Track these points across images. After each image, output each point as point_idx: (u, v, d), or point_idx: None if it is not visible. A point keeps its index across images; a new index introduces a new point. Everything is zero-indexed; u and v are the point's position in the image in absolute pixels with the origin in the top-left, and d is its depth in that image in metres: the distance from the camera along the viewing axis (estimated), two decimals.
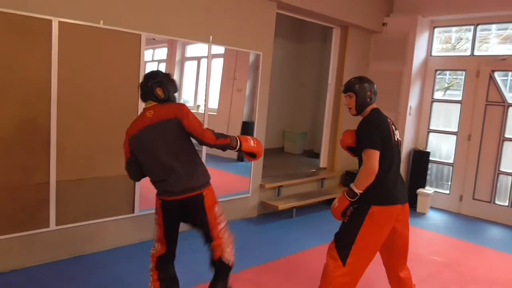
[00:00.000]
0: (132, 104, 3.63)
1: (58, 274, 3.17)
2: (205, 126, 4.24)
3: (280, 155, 7.16)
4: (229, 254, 2.50)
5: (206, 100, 4.32)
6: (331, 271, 2.47)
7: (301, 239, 4.25)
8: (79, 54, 3.29)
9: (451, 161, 5.88)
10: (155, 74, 2.48)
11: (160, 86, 2.43)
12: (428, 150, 5.97)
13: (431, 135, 6.08)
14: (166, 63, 5.27)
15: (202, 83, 4.44)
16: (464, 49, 5.79)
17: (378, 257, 2.62)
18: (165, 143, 2.37)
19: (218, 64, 5.22)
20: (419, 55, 5.89)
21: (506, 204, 5.35)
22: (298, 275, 3.41)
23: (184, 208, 2.45)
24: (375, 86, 2.67)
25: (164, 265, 2.56)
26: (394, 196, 2.48)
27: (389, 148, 2.49)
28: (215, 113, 5.54)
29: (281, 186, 5.16)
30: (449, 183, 5.89)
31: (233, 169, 5.35)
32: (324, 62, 6.80)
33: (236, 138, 2.46)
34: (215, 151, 4.95)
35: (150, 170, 2.46)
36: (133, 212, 3.79)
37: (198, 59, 5.16)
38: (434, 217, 5.49)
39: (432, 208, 5.81)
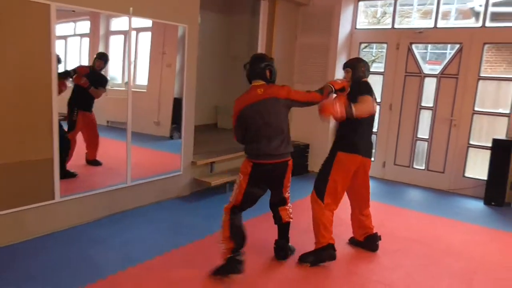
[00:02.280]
0: (41, 83, 3.35)
1: None
2: (129, 104, 4.10)
3: (214, 131, 7.11)
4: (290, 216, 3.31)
5: (129, 77, 4.13)
6: (317, 211, 3.23)
7: None
8: None
9: (374, 130, 6.19)
10: (263, 57, 3.12)
11: (270, 69, 3.04)
12: None
13: None
14: (90, 37, 4.92)
15: (131, 59, 4.24)
16: (387, 23, 6.03)
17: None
18: (275, 115, 2.97)
19: (146, 39, 4.98)
20: (344, 28, 6.05)
21: (423, 167, 5.79)
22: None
23: (276, 171, 3.07)
24: (367, 64, 3.38)
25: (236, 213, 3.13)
26: (356, 148, 3.20)
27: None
28: (145, 90, 5.30)
29: (214, 162, 5.14)
30: (374, 150, 6.22)
31: (163, 147, 5.22)
32: (255, 35, 6.75)
33: (329, 84, 3.12)
34: (142, 129, 4.85)
35: (256, 135, 2.99)
36: (54, 199, 3.58)
37: (125, 33, 4.89)
38: None
39: None
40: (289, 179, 3.20)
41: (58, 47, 3.54)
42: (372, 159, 6.17)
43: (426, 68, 5.71)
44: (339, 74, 6.06)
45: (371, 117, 3.26)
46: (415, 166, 5.88)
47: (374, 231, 3.56)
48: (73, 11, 3.87)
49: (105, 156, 4.37)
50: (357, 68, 3.28)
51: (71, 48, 4.18)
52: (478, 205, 5.04)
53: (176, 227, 3.89)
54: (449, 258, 3.47)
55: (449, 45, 5.68)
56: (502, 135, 5.14)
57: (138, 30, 4.71)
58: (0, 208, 3.24)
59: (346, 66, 3.38)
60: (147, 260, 3.18)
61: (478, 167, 5.42)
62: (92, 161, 4.30)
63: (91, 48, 4.50)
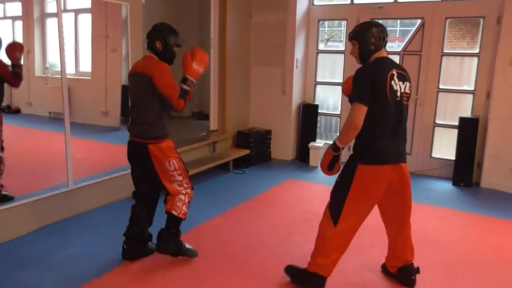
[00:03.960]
0: None
1: None
2: (65, 94, 3.54)
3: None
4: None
5: (62, 65, 3.56)
6: (323, 231, 2.51)
7: (196, 212, 3.85)
8: None
9: (338, 112, 5.94)
10: (161, 27, 2.81)
11: (161, 40, 2.77)
12: (316, 103, 5.94)
13: (318, 87, 6.05)
14: (23, 20, 4.31)
15: (71, 44, 3.70)
16: None
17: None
18: (139, 94, 2.82)
19: (87, 21, 4.43)
20: (301, 5, 5.69)
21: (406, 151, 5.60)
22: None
23: (135, 150, 2.88)
24: (382, 31, 2.44)
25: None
26: (380, 155, 2.35)
27: (383, 104, 2.32)
28: (89, 78, 4.77)
29: None
30: (337, 134, 5.97)
31: (112, 138, 4.70)
32: (205, 15, 6.25)
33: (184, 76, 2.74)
34: (89, 120, 4.33)
35: (129, 108, 2.92)
36: None
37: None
38: None
39: None
40: (162, 170, 2.81)
41: None
42: None
43: (389, 46, 5.47)
44: (299, 53, 5.72)
45: (396, 103, 2.35)
46: None
47: (411, 261, 2.72)
48: None
49: (44, 153, 3.87)
50: (364, 39, 2.41)
51: (3, 32, 3.67)
52: (447, 186, 4.91)
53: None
54: (427, 249, 3.25)
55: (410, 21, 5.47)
56: (467, 113, 5.01)
57: (77, 11, 4.22)
58: None
59: (350, 37, 2.51)
60: (94, 279, 2.72)
61: (444, 147, 5.28)
62: None
63: (25, 32, 4.02)
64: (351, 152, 2.50)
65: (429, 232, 3.58)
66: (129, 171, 4.19)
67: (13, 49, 3.29)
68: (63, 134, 3.67)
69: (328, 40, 6.07)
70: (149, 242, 3.07)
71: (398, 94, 2.37)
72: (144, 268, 2.89)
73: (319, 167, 2.66)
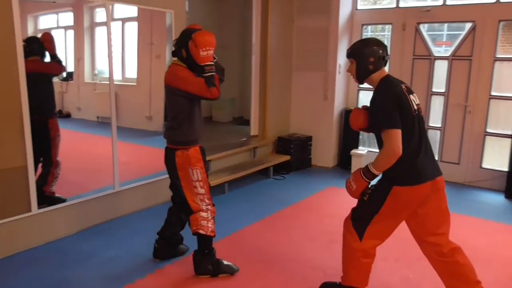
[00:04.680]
0: (7, 82, 2.92)
1: None
2: (112, 100, 3.66)
3: (208, 125, 6.66)
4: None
5: (110, 72, 3.69)
6: (348, 243, 2.45)
7: (235, 218, 3.88)
8: None
9: None
10: (186, 32, 2.70)
11: (184, 46, 2.66)
12: None
13: (361, 93, 5.92)
14: (74, 29, 4.53)
15: (118, 51, 3.87)
16: (387, 3, 5.57)
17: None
18: (168, 101, 2.82)
19: (133, 29, 4.59)
20: (344, 9, 5.60)
21: (436, 159, 5.37)
22: (233, 260, 3.02)
23: (165, 156, 2.88)
24: (382, 50, 2.31)
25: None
26: (419, 174, 2.21)
27: (409, 121, 2.21)
28: (135, 84, 4.92)
29: (210, 160, 4.72)
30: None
31: (156, 143, 4.82)
32: (247, 21, 6.29)
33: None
34: (134, 125, 4.44)
35: None
36: (30, 211, 3.15)
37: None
38: None
39: None
40: (185, 178, 2.73)
41: None
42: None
43: (436, 51, 5.26)
44: (341, 59, 5.63)
45: (417, 117, 2.25)
46: None
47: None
48: (54, 1, 3.65)
49: (92, 156, 3.98)
50: (361, 57, 2.30)
51: (56, 41, 3.77)
52: (499, 199, 4.63)
53: None
54: (479, 265, 3.04)
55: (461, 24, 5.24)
56: None
57: (124, 20, 4.37)
58: None
59: (348, 55, 2.41)
60: (137, 279, 2.78)
61: (496, 157, 4.99)
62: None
63: (75, 41, 4.14)
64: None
65: (480, 247, 3.38)
66: None
67: (46, 40, 3.41)
68: (110, 138, 3.79)
69: None
70: (180, 244, 3.14)
71: (415, 107, 2.27)
72: (185, 271, 2.91)
73: (347, 192, 2.41)
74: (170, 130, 2.78)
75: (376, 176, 2.26)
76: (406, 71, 5.40)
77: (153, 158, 4.86)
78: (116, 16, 3.77)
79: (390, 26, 5.52)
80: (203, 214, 2.75)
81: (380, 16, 5.64)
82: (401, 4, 5.40)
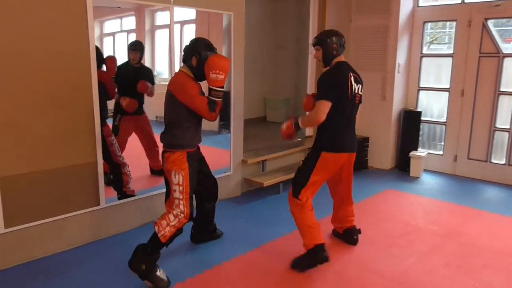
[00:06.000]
0: (81, 83, 3.12)
1: (10, 283, 2.76)
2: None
3: (263, 125, 6.74)
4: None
5: (171, 72, 3.84)
6: (296, 214, 2.95)
7: (290, 218, 3.85)
8: (9, 29, 2.75)
9: (443, 119, 5.53)
10: (198, 41, 2.85)
11: (196, 56, 2.75)
12: (419, 109, 5.61)
13: (422, 93, 5.70)
14: (136, 33, 4.77)
15: (177, 53, 3.99)
16: None
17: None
18: (166, 106, 2.87)
19: (190, 31, 4.74)
20: (405, 7, 5.42)
21: (503, 162, 5.07)
22: (290, 258, 3.03)
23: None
24: (343, 39, 2.93)
25: None
26: (342, 145, 2.91)
27: (343, 102, 2.83)
28: None
29: (265, 160, 4.77)
30: (442, 143, 5.57)
31: (211, 142, 4.94)
32: (303, 21, 6.26)
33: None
34: None
35: None
36: (99, 205, 3.36)
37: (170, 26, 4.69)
38: (429, 181, 5.20)
39: (425, 170, 5.51)
40: (170, 180, 2.76)
41: (107, 44, 3.63)
42: (441, 152, 5.55)
43: (505, 48, 4.95)
44: (401, 58, 5.46)
45: (351, 101, 2.87)
46: (493, 161, 5.15)
47: (353, 224, 3.36)
48: (119, 7, 3.82)
49: None
50: (327, 45, 2.87)
51: (119, 45, 4.07)
52: None
53: (226, 235, 3.54)
54: None
55: None
56: None
57: (183, 23, 4.53)
58: (43, 217, 3.05)
59: (315, 43, 2.94)
60: (196, 274, 2.87)
61: None
62: (157, 171, 3.95)
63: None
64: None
65: (480, 237, 3.40)
66: (229, 173, 4.43)
67: (111, 61, 3.60)
68: None
69: (431, 43, 5.69)
70: (216, 230, 3.42)
71: (354, 93, 2.86)
72: (234, 272, 2.96)
73: (280, 133, 3.03)
74: (164, 134, 2.82)
75: (299, 128, 2.92)
76: (471, 69, 5.13)
77: (209, 156, 4.98)
78: (175, 19, 3.91)
79: (453, 23, 5.27)
80: (170, 216, 2.69)
81: (443, 13, 5.40)
82: (467, 0, 5.14)
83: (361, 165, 5.64)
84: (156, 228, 2.68)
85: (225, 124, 4.59)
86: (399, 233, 3.60)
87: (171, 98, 2.74)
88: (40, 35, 2.86)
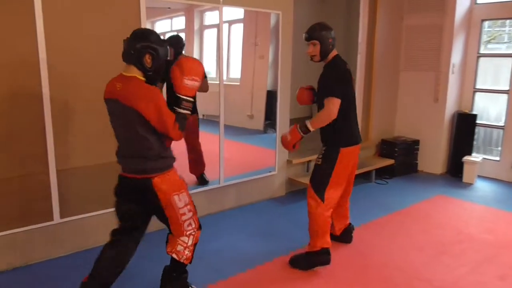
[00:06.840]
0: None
1: (65, 270, 2.90)
2: (222, 99, 3.84)
3: None
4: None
5: (220, 71, 3.88)
6: (314, 209, 2.87)
7: None
8: (67, 28, 2.89)
9: (501, 123, 5.22)
10: (147, 34, 2.20)
11: (150, 52, 2.16)
12: (474, 112, 5.33)
13: (478, 95, 5.41)
14: (185, 32, 4.90)
15: (224, 52, 4.06)
16: None
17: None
18: (123, 125, 2.26)
19: (238, 30, 4.80)
20: (462, 4, 5.17)
21: None
22: (333, 262, 2.98)
23: (131, 186, 2.29)
24: (333, 32, 2.85)
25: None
26: (356, 137, 2.93)
27: (352, 95, 2.86)
28: (238, 83, 5.14)
29: (310, 161, 4.71)
30: (499, 148, 5.26)
31: (256, 141, 4.97)
32: (352, 19, 6.13)
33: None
34: (236, 123, 4.63)
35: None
36: None
37: (218, 26, 4.76)
38: (483, 188, 4.92)
39: (479, 177, 5.23)
40: (169, 206, 2.26)
41: None
42: (497, 158, 5.25)
43: None
44: (456, 58, 5.22)
45: (354, 93, 2.90)
46: None
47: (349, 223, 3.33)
48: (169, 8, 3.93)
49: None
50: (324, 39, 2.78)
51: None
52: None
53: (270, 235, 3.53)
54: None
55: None
56: None
57: (231, 22, 4.60)
58: (90, 210, 3.18)
59: (311, 37, 2.79)
60: (238, 273, 2.88)
61: None
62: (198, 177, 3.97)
63: (186, 43, 4.49)
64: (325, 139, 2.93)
65: None
66: (274, 173, 4.41)
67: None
68: (213, 134, 3.97)
69: (488, 42, 5.38)
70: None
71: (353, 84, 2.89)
72: (276, 273, 2.94)
73: (281, 143, 2.92)
74: (136, 159, 2.21)
75: (309, 131, 2.76)
76: None
77: (254, 156, 5.02)
78: (224, 18, 3.96)
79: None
80: (184, 239, 2.39)
81: (506, 10, 5.08)
82: None
83: (410, 169, 5.44)
84: (175, 255, 2.41)
85: (271, 123, 4.59)
86: (450, 241, 3.43)
87: (133, 118, 2.10)
88: (100, 35, 2.99)
